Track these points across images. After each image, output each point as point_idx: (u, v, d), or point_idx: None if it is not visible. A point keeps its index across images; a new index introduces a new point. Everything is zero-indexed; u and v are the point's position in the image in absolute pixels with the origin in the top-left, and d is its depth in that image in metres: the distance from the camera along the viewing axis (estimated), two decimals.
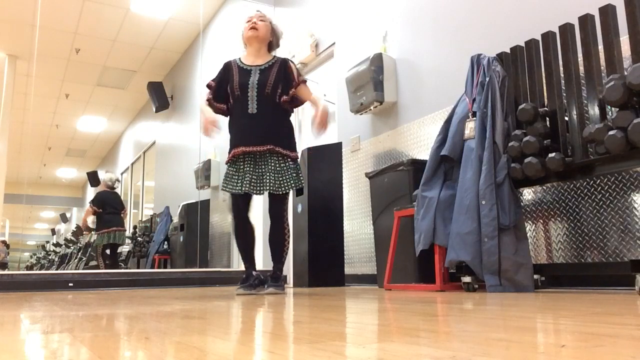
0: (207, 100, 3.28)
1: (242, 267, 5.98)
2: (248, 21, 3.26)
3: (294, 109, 3.35)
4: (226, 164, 3.23)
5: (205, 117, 3.19)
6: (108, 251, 7.09)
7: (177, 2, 7.16)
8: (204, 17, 7.62)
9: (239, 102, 3.16)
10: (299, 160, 3.26)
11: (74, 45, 7.76)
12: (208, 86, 3.31)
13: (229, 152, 3.18)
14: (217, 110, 3.28)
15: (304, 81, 3.26)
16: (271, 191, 3.09)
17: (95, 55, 8.12)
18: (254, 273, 3.18)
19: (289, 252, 5.22)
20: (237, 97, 3.17)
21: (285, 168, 3.12)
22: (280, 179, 3.10)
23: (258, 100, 3.12)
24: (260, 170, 3.12)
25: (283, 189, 3.09)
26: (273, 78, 3.15)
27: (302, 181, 3.19)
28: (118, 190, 7.50)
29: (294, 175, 3.14)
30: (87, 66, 8.39)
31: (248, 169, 3.11)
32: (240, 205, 3.15)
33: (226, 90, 3.26)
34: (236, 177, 3.12)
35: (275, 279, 3.19)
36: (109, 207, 7.09)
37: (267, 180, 3.08)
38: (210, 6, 7.44)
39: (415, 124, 4.07)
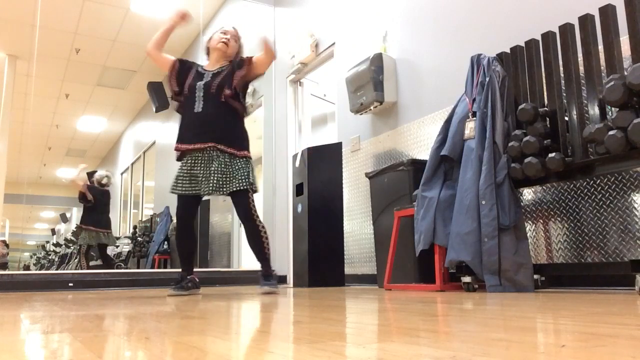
0: (173, 62, 3.36)
1: (243, 267, 5.97)
2: (223, 33, 3.36)
3: (244, 107, 3.31)
4: (178, 160, 3.28)
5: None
6: (93, 252, 7.00)
7: (177, 2, 7.16)
8: (204, 17, 7.62)
9: (187, 102, 3.25)
10: (250, 160, 3.24)
11: (74, 45, 7.76)
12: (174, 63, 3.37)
13: (176, 146, 3.24)
14: (174, 96, 3.38)
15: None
16: (213, 191, 3.10)
17: (95, 55, 8.12)
18: (188, 277, 3.18)
19: (289, 252, 5.22)
20: (186, 97, 3.26)
21: (233, 167, 3.13)
22: (226, 178, 3.11)
23: (204, 100, 3.19)
24: (207, 171, 3.14)
25: (228, 187, 3.10)
26: (219, 79, 3.22)
27: (253, 183, 3.16)
28: (117, 190, 7.45)
29: (245, 173, 3.12)
30: (87, 66, 8.39)
31: (196, 170, 3.16)
32: (188, 208, 3.17)
33: (180, 73, 3.34)
34: (187, 179, 3.17)
35: (266, 277, 3.15)
36: (100, 204, 6.97)
37: (213, 181, 3.10)
38: (210, 6, 7.44)
39: (415, 124, 4.07)
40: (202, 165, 3.16)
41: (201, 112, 3.17)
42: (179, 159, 3.28)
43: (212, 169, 3.12)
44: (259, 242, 3.12)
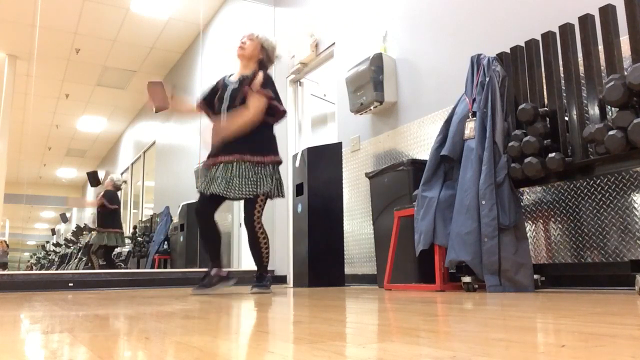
0: (198, 102, 3.51)
1: (244, 267, 5.98)
2: (240, 40, 3.45)
3: (273, 118, 3.38)
4: (203, 167, 3.40)
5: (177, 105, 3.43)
6: (102, 251, 7.08)
7: (177, 2, 7.16)
8: (204, 17, 7.62)
9: (217, 114, 3.37)
10: (276, 165, 3.32)
11: (74, 45, 7.76)
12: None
13: (205, 160, 3.37)
14: (206, 113, 3.50)
15: (262, 93, 3.26)
16: (234, 196, 3.19)
17: (95, 55, 8.12)
18: (212, 272, 3.22)
19: (289, 252, 5.22)
20: (216, 111, 3.38)
21: (258, 174, 3.21)
22: (246, 184, 3.18)
23: (228, 111, 3.28)
24: (229, 175, 3.22)
25: (245, 194, 3.16)
26: (243, 90, 3.29)
27: (272, 186, 3.22)
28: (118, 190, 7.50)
29: (269, 180, 3.21)
30: (87, 66, 8.39)
31: (218, 174, 3.24)
32: (204, 206, 3.26)
33: (210, 103, 3.47)
34: (207, 180, 3.26)
35: (259, 279, 3.30)
36: (117, 207, 7.11)
37: (235, 186, 3.18)
38: (210, 6, 7.44)
39: (415, 124, 4.07)
40: (225, 171, 3.24)
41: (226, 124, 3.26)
42: (203, 166, 3.41)
43: (235, 174, 3.20)
44: (257, 247, 3.25)
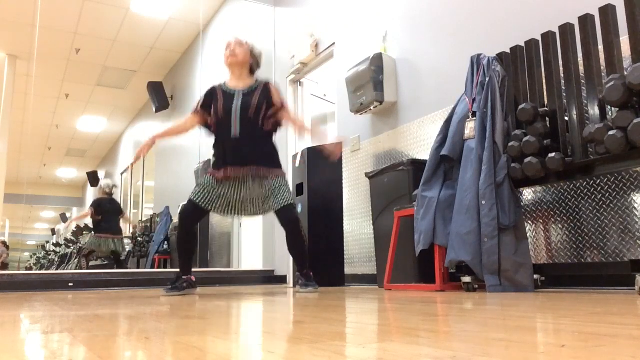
0: (195, 110, 3.37)
1: (243, 267, 5.97)
2: (227, 48, 3.36)
3: (278, 128, 3.41)
4: (206, 175, 3.30)
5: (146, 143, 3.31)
6: (95, 254, 7.10)
7: (177, 2, 7.16)
8: (204, 17, 7.62)
9: (222, 125, 3.24)
10: (286, 177, 3.35)
11: (74, 45, 7.76)
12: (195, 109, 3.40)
13: (212, 170, 3.27)
14: (203, 121, 3.38)
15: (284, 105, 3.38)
16: (256, 214, 3.28)
17: (95, 55, 8.12)
18: (184, 277, 3.22)
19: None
20: (221, 120, 3.24)
21: (273, 186, 3.22)
22: (269, 198, 3.22)
23: (241, 124, 3.20)
24: (241, 194, 3.23)
25: (274, 206, 3.20)
26: (256, 101, 3.24)
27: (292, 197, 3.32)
28: (118, 191, 7.48)
29: (287, 190, 3.24)
30: (87, 66, 8.39)
31: (229, 193, 3.22)
32: (195, 216, 3.23)
33: (209, 110, 3.33)
34: (211, 194, 3.21)
35: (308, 278, 3.31)
36: (106, 214, 7.07)
37: (256, 204, 3.25)
38: (210, 6, 7.44)
39: (415, 124, 4.07)
40: (238, 189, 3.22)
41: (239, 136, 3.19)
42: (211, 177, 3.29)
43: (253, 193, 3.23)
44: (303, 251, 3.28)
